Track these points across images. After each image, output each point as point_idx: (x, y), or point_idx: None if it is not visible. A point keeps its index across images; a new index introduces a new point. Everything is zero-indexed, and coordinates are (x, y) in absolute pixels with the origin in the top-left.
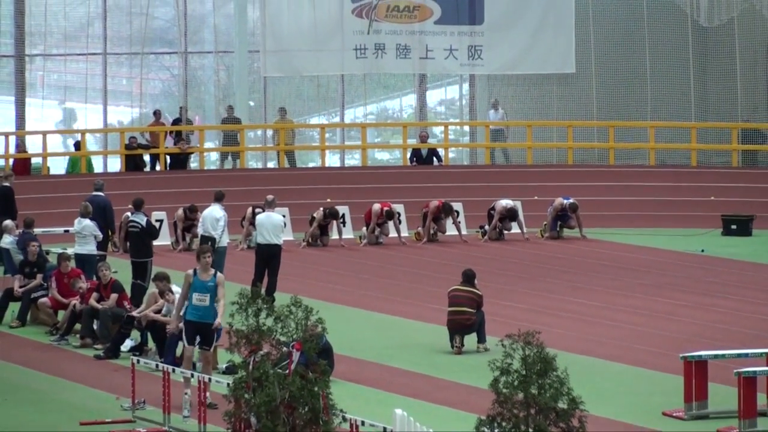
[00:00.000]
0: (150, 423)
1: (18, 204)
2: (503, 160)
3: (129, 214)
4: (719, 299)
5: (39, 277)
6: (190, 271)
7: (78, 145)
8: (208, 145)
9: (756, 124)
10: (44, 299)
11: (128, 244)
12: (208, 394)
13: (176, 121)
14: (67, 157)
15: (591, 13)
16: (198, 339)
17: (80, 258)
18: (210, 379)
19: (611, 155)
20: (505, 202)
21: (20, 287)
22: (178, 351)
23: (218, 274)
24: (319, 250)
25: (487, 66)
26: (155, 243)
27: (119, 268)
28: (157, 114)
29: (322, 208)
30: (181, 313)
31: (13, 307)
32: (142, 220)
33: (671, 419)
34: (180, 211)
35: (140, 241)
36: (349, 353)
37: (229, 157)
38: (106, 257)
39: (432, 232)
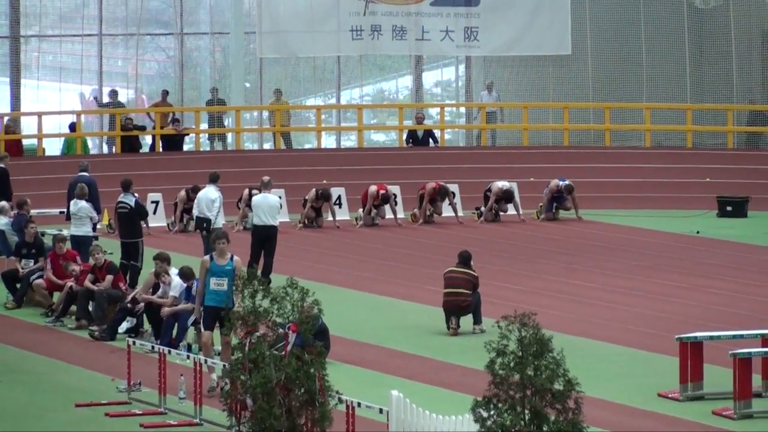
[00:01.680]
0: (146, 405)
1: (13, 185)
2: (491, 142)
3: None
4: (714, 281)
5: (41, 260)
6: (207, 257)
7: (73, 127)
8: (203, 126)
9: (759, 106)
10: (39, 280)
11: (118, 224)
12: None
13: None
14: (62, 139)
15: None
16: (217, 324)
17: (76, 239)
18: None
19: (607, 137)
20: (501, 184)
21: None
22: (174, 333)
23: (235, 257)
24: (314, 232)
25: (483, 47)
26: (151, 224)
27: (114, 249)
28: (164, 94)
29: (314, 189)
30: (176, 296)
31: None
32: (130, 200)
33: (667, 400)
34: (182, 192)
35: (129, 222)
36: (345, 335)
37: (216, 139)
38: (98, 238)
39: (428, 213)
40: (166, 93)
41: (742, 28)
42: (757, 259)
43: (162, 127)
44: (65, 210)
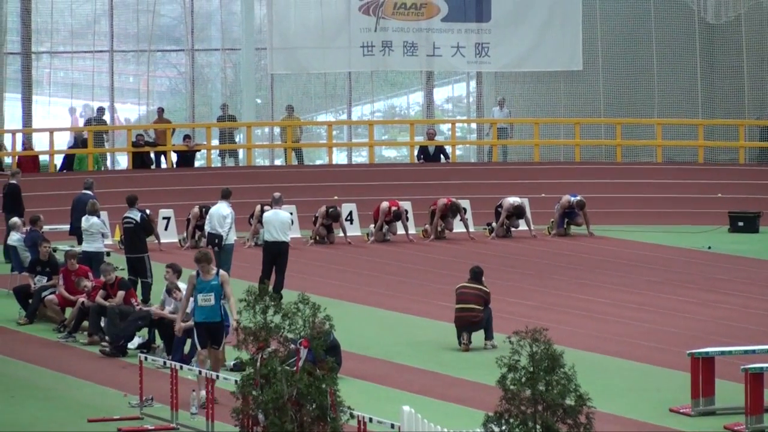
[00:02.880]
0: (158, 420)
1: (25, 201)
2: (502, 158)
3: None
4: (726, 296)
5: (55, 277)
6: (194, 273)
7: (85, 143)
8: (214, 143)
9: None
10: (51, 296)
11: (123, 239)
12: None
13: None
14: (74, 155)
15: (598, 11)
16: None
17: (88, 255)
18: (217, 376)
19: (618, 152)
20: (512, 200)
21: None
22: (186, 348)
23: (221, 271)
24: (326, 248)
25: (494, 63)
26: (163, 240)
27: (125, 264)
28: (160, 111)
29: (324, 207)
30: (189, 312)
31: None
32: (136, 215)
33: (678, 416)
34: (196, 209)
35: (135, 237)
36: (357, 350)
37: (227, 155)
38: (110, 254)
39: (439, 229)
40: (161, 110)
41: (753, 43)
42: None
43: (150, 142)
44: (69, 227)
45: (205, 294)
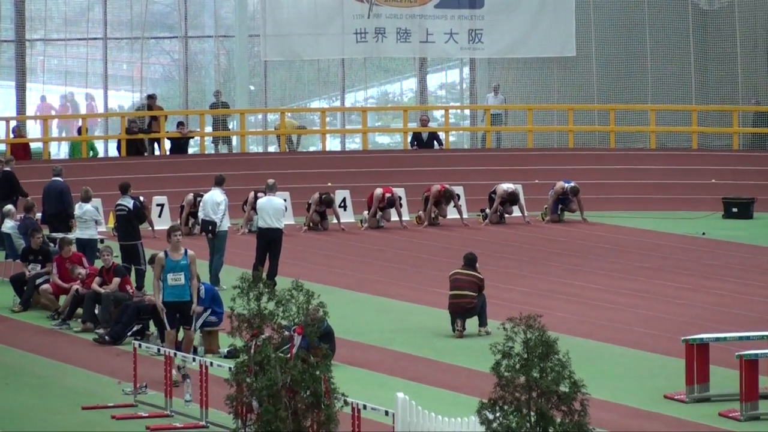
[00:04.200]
0: (152, 407)
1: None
2: (496, 145)
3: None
4: (720, 282)
5: (48, 265)
6: (161, 253)
7: (79, 130)
8: (208, 129)
9: (765, 107)
10: (46, 285)
11: (116, 227)
12: (175, 371)
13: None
14: (69, 142)
15: None
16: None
17: (81, 242)
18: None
19: (612, 138)
20: (506, 186)
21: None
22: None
23: (188, 251)
24: (319, 234)
25: (487, 49)
26: (156, 227)
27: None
28: (152, 98)
29: (317, 193)
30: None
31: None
32: (128, 203)
33: (673, 402)
34: (190, 196)
35: (128, 224)
36: (351, 337)
37: (221, 142)
38: (104, 240)
39: (433, 215)
40: (150, 97)
41: (747, 29)
42: (763, 261)
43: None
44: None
45: (175, 273)
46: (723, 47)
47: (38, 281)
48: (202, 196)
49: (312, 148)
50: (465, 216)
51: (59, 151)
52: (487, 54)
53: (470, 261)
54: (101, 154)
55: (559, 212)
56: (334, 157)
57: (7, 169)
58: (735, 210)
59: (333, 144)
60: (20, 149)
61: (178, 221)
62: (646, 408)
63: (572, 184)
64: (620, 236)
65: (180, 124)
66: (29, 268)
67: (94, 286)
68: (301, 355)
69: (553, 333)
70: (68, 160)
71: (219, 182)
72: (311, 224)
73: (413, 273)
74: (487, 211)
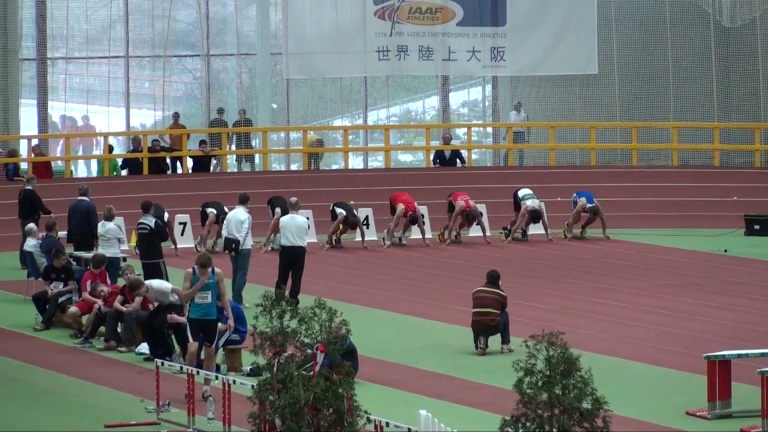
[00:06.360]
0: (175, 425)
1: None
2: (518, 162)
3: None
4: (742, 299)
5: (71, 283)
6: (190, 270)
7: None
8: (231, 148)
9: None
10: (74, 308)
11: (138, 245)
12: (207, 388)
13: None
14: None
15: (613, 14)
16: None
17: None
18: (214, 376)
19: (634, 156)
20: (530, 203)
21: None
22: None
23: (215, 269)
24: (342, 252)
25: (509, 67)
26: (179, 245)
27: (140, 270)
28: (175, 116)
29: (342, 212)
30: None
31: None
32: (150, 221)
33: (695, 419)
34: (212, 215)
35: (150, 242)
36: (374, 355)
37: (244, 160)
38: (126, 259)
39: (454, 234)
40: (177, 116)
41: None
42: None
43: (166, 147)
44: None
45: (202, 291)
46: (745, 64)
47: (60, 300)
48: (225, 213)
49: (334, 166)
50: (488, 234)
51: (84, 169)
52: (510, 72)
53: (493, 279)
54: (125, 172)
55: (581, 230)
56: (357, 175)
57: (29, 187)
58: (757, 227)
59: (355, 162)
60: (42, 168)
61: (199, 238)
62: (668, 425)
63: (593, 204)
64: (642, 253)
65: (202, 142)
66: (51, 286)
67: (116, 304)
68: (323, 372)
69: (575, 350)
70: (91, 179)
71: (243, 201)
72: (334, 242)
73: (436, 291)
74: (510, 227)
